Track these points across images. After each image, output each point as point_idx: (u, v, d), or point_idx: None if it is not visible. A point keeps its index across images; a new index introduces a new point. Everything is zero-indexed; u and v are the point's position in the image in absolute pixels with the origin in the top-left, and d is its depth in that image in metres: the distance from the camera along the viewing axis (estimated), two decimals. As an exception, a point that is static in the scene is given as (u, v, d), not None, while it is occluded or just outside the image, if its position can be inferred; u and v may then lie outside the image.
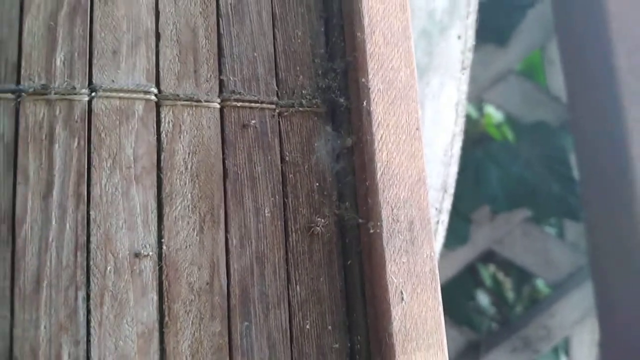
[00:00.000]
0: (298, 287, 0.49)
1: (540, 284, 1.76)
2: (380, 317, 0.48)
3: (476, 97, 1.55)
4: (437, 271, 0.52)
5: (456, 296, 1.65)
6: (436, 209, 0.81)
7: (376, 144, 0.51)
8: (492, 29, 1.50)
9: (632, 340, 1.16)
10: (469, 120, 1.76)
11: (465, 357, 1.52)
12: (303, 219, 0.51)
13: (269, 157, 0.50)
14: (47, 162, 0.44)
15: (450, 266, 1.52)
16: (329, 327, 0.49)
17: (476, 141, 1.65)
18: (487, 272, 1.77)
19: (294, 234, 0.50)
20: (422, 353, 0.49)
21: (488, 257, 1.66)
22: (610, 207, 1.20)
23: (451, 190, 0.80)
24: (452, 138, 0.80)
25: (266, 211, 0.50)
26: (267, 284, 0.48)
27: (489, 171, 1.49)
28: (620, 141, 1.16)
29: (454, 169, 0.80)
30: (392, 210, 0.50)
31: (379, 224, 0.49)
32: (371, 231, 0.50)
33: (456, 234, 1.46)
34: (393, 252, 0.50)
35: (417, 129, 0.54)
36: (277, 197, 0.50)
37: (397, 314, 0.48)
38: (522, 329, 1.53)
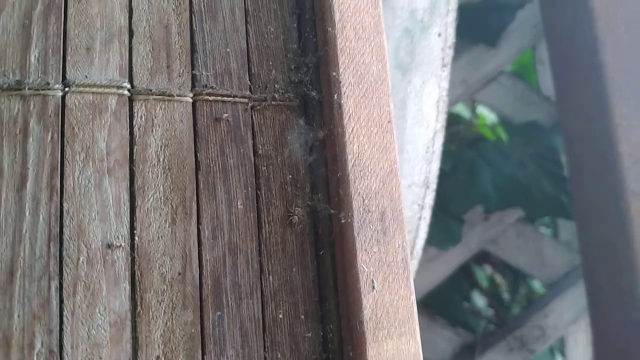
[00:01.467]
0: (271, 277, 0.50)
1: (535, 284, 1.77)
2: (351, 305, 0.49)
3: (468, 98, 1.56)
4: (409, 261, 0.53)
5: (451, 297, 1.65)
6: (418, 205, 0.82)
7: (347, 136, 0.51)
8: (482, 30, 1.51)
9: (623, 339, 1.16)
10: (462, 122, 1.77)
11: (461, 359, 1.52)
12: (276, 211, 0.52)
13: (242, 150, 0.51)
14: (21, 155, 0.45)
15: (444, 267, 1.52)
16: (302, 317, 0.50)
17: (470, 143, 1.65)
18: (482, 272, 1.78)
19: (267, 225, 0.51)
20: (394, 341, 0.49)
21: (482, 257, 1.67)
22: (598, 204, 1.21)
23: (433, 186, 0.80)
24: (433, 134, 0.81)
25: (239, 203, 0.50)
26: (240, 274, 0.49)
27: (482, 171, 1.49)
28: (607, 138, 1.17)
29: (435, 165, 0.80)
30: (364, 201, 0.51)
31: (350, 214, 0.50)
32: (343, 221, 0.51)
33: (449, 234, 1.47)
34: (364, 241, 0.50)
35: (388, 122, 0.55)
36: (249, 189, 0.51)
37: (369, 302, 0.49)
38: (518, 330, 1.53)
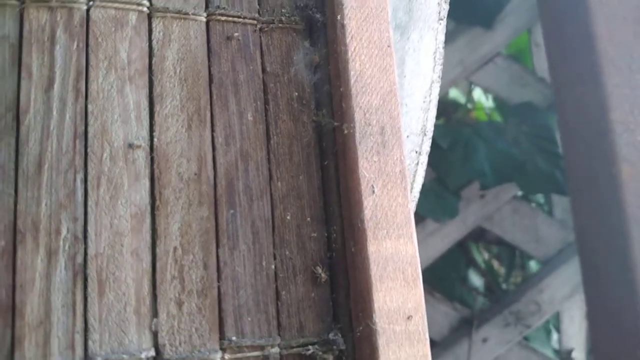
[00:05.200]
0: (279, 183, 0.54)
1: (530, 260, 1.80)
2: (353, 207, 0.53)
3: (465, 79, 1.60)
4: (406, 173, 0.57)
5: (448, 273, 1.68)
6: (416, 152, 0.85)
7: (349, 54, 0.55)
8: (478, 12, 1.55)
9: (618, 314, 1.19)
10: (459, 107, 1.81)
11: (458, 333, 1.55)
12: (283, 124, 0.55)
13: (251, 67, 0.55)
14: (49, 60, 0.49)
15: (441, 243, 1.55)
16: (308, 219, 0.54)
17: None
18: (478, 249, 1.81)
19: (275, 136, 0.55)
20: (393, 241, 0.53)
21: (478, 234, 1.70)
22: (591, 170, 1.24)
23: (430, 133, 0.84)
24: (430, 84, 0.84)
25: (249, 115, 0.54)
26: (251, 178, 0.53)
27: (478, 148, 1.53)
28: (600, 106, 1.21)
29: (432, 113, 0.84)
30: (365, 114, 0.55)
31: (352, 125, 0.54)
32: (345, 132, 0.54)
33: (446, 207, 1.50)
34: (365, 150, 0.54)
35: (388, 46, 0.59)
36: (258, 103, 0.55)
37: (369, 204, 0.53)
38: (514, 305, 1.56)
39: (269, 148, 0.54)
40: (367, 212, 0.52)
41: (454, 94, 1.89)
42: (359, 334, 0.51)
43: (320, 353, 0.50)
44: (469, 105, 1.85)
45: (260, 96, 0.55)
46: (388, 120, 0.56)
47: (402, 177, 0.56)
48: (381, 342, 0.50)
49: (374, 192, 0.53)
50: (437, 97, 0.87)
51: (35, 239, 0.46)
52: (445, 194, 1.54)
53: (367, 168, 0.54)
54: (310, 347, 0.50)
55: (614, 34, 1.23)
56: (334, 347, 0.50)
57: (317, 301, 0.52)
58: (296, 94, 0.56)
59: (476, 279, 1.78)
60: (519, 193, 1.60)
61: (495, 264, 1.89)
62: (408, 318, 0.53)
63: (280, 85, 0.56)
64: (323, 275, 0.52)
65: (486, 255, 1.90)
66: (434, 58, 0.87)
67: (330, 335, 0.50)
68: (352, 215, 0.53)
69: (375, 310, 0.50)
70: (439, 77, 0.87)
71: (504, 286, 1.80)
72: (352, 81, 0.55)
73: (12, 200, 0.46)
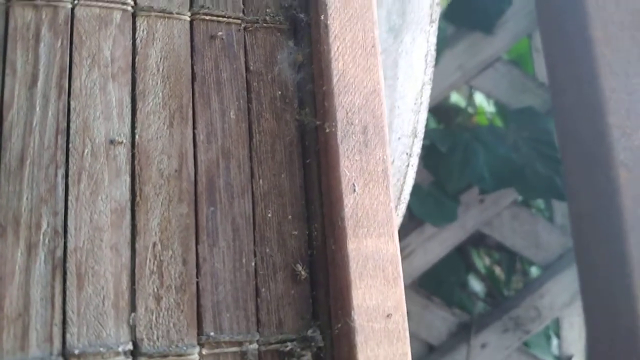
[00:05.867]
0: (261, 181, 0.54)
1: (531, 265, 1.79)
2: (334, 204, 0.53)
3: (465, 84, 1.60)
4: (389, 173, 0.57)
5: (447, 277, 1.68)
6: (407, 154, 0.86)
7: (332, 53, 0.56)
8: (478, 17, 1.56)
9: (616, 318, 1.19)
10: (460, 112, 1.81)
11: (457, 338, 1.54)
12: (266, 123, 0.56)
13: (235, 66, 0.56)
14: (33, 58, 0.50)
15: (440, 248, 1.55)
16: (289, 217, 0.54)
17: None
18: (478, 254, 1.80)
19: (257, 134, 0.55)
20: (373, 240, 0.53)
21: (478, 239, 1.70)
22: (588, 175, 1.24)
23: (420, 135, 0.84)
24: (421, 86, 0.85)
25: (231, 113, 0.55)
26: (232, 176, 0.53)
27: (477, 152, 1.52)
28: (597, 110, 1.20)
29: (423, 115, 0.84)
30: (347, 114, 0.55)
31: (334, 124, 0.54)
32: (327, 131, 0.55)
33: (444, 211, 1.50)
34: (347, 149, 0.54)
35: (372, 46, 0.59)
36: (241, 101, 0.55)
37: (349, 202, 0.53)
38: (513, 310, 1.55)
39: (251, 146, 0.55)
40: (348, 210, 0.53)
41: (455, 98, 1.89)
42: (337, 331, 0.51)
43: (299, 350, 0.50)
44: (470, 110, 1.84)
45: (244, 95, 0.55)
46: (371, 119, 0.56)
47: (385, 176, 0.56)
48: (359, 339, 0.50)
49: (354, 190, 0.54)
50: (428, 100, 0.88)
51: (15, 232, 0.47)
52: (444, 198, 1.53)
53: (349, 167, 0.54)
54: (289, 343, 0.50)
55: (611, 38, 1.23)
56: (313, 344, 0.50)
57: (296, 298, 0.52)
58: (279, 92, 0.56)
59: (476, 284, 1.77)
60: (519, 198, 1.59)
61: (497, 269, 1.89)
62: (387, 316, 0.53)
63: (263, 84, 0.56)
64: (303, 272, 0.53)
65: (487, 261, 1.89)
66: (426, 60, 0.87)
67: (309, 332, 0.51)
68: (332, 213, 0.53)
69: (354, 307, 0.51)
70: (430, 79, 0.87)
71: (504, 292, 1.79)
72: (335, 80, 0.55)
73: (-7, 194, 0.47)
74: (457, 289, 1.70)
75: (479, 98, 1.86)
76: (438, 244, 1.56)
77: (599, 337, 1.25)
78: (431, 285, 1.62)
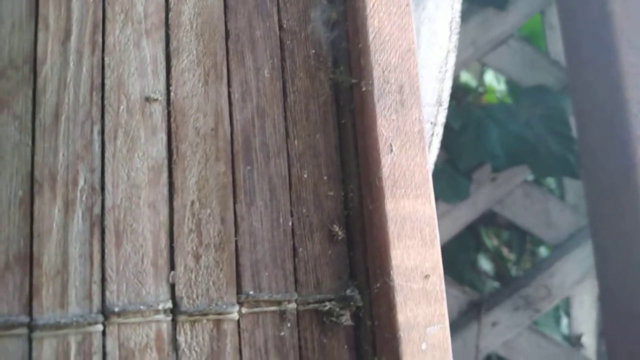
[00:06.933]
0: (296, 141, 0.53)
1: (540, 245, 1.79)
2: (370, 165, 0.52)
3: (477, 60, 1.58)
4: (424, 134, 0.56)
5: (458, 256, 1.67)
6: (431, 123, 0.85)
7: (368, 10, 0.55)
8: (491, -7, 1.54)
9: (630, 298, 1.18)
10: (470, 91, 1.79)
11: (467, 316, 1.54)
12: (300, 82, 0.55)
13: (268, 24, 0.54)
14: (65, 12, 0.49)
15: (452, 226, 1.54)
16: (325, 178, 0.53)
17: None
18: (488, 233, 1.80)
19: (292, 94, 0.54)
20: (411, 201, 0.52)
21: (489, 218, 1.69)
22: (605, 151, 1.23)
23: (445, 104, 0.83)
24: (446, 54, 0.84)
25: (265, 72, 0.54)
26: (268, 135, 0.52)
27: (489, 129, 1.51)
28: (615, 85, 1.19)
29: (448, 84, 0.83)
30: (383, 72, 0.54)
31: (370, 82, 0.53)
32: (363, 89, 0.54)
33: (456, 189, 1.49)
34: (384, 108, 0.53)
35: (407, 4, 0.58)
36: (275, 60, 0.54)
37: (387, 162, 0.52)
38: (523, 289, 1.55)
39: (285, 106, 0.54)
40: (385, 170, 0.52)
41: (465, 77, 1.87)
42: (376, 290, 0.50)
43: (338, 309, 0.49)
44: (481, 89, 1.83)
45: (277, 53, 0.54)
46: (407, 79, 0.55)
47: (421, 137, 0.55)
48: (399, 299, 0.49)
49: (392, 150, 0.53)
50: (453, 67, 0.87)
51: (52, 189, 0.46)
52: (457, 175, 1.52)
53: (386, 126, 0.53)
54: (327, 303, 0.50)
55: (630, 12, 1.21)
56: (351, 303, 0.50)
57: (333, 258, 0.52)
58: (313, 51, 0.55)
59: (485, 263, 1.77)
60: (531, 177, 1.58)
61: (505, 250, 1.88)
62: (426, 277, 0.52)
63: (297, 42, 0.55)
64: (340, 233, 0.52)
65: (495, 242, 1.89)
66: (450, 27, 0.85)
67: (348, 292, 0.50)
68: (369, 173, 0.52)
69: (393, 267, 0.50)
70: (455, 46, 0.86)
71: (513, 272, 1.79)
72: (371, 38, 0.54)
73: (29, 150, 0.46)
74: (468, 267, 1.69)
75: (489, 77, 1.85)
76: (450, 222, 1.56)
77: (615, 313, 1.25)
78: (442, 263, 1.61)
